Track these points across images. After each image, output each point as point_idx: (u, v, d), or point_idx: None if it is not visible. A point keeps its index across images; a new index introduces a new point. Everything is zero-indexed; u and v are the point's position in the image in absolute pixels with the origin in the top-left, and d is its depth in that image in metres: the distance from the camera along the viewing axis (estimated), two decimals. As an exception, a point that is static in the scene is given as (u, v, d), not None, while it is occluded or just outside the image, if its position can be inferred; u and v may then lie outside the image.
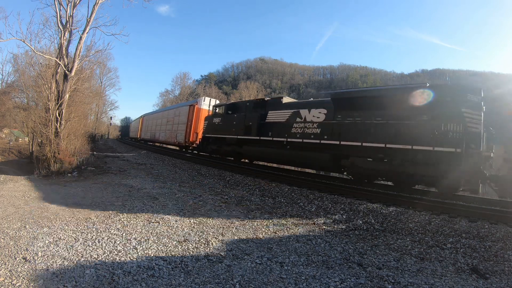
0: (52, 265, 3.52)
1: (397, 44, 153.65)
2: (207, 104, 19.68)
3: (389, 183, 9.21)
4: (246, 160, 14.80)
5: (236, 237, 5.09)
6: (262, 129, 11.89)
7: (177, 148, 23.74)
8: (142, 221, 5.67)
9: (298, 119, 10.39)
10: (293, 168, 17.75)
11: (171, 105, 37.53)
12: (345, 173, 9.72)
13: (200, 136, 17.96)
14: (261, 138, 11.76)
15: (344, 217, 6.52)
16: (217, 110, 15.53)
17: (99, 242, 4.39)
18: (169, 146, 26.73)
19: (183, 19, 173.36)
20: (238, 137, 13.16)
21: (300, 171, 13.61)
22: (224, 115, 14.64)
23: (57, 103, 13.86)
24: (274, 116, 11.65)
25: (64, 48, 14.13)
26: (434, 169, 7.25)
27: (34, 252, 3.88)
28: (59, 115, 13.91)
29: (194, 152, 19.92)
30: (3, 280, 3.10)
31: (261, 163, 16.33)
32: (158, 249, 4.25)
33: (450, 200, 7.34)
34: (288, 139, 10.61)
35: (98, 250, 4.07)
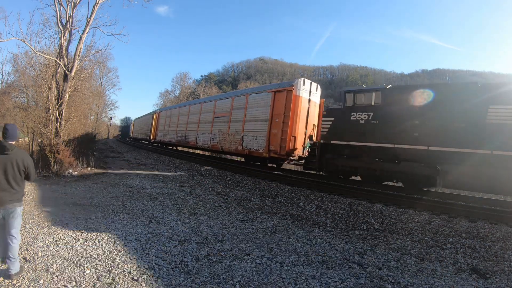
0: (52, 265, 3.52)
1: (396, 44, 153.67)
2: (307, 89, 11.62)
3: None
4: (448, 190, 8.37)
5: (236, 237, 5.09)
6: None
7: (241, 159, 16.43)
8: (142, 221, 5.67)
9: None
10: (293, 167, 16.62)
11: (222, 93, 26.02)
12: None
13: (299, 141, 11.10)
14: None
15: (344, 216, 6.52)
16: (356, 100, 9.00)
17: (99, 242, 4.39)
18: (212, 155, 19.95)
19: (182, 19, 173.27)
20: (440, 149, 7.33)
21: (300, 170, 13.56)
22: (380, 107, 8.42)
23: (57, 103, 13.86)
24: None
25: (64, 48, 14.13)
26: None
27: (34, 252, 3.88)
28: (59, 115, 13.91)
29: (283, 168, 13.36)
30: (3, 280, 3.10)
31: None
32: (158, 249, 4.25)
33: (450, 200, 7.34)
34: None
35: (98, 250, 4.07)
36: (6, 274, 3.14)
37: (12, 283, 3.06)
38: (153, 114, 29.87)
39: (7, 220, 3.18)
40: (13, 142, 3.25)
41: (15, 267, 3.16)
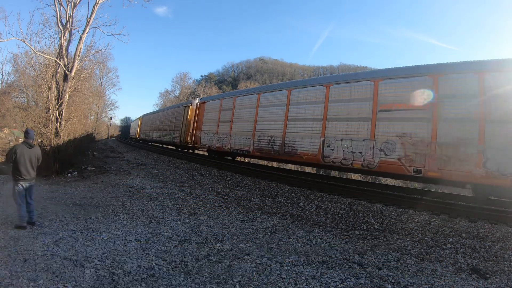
0: (52, 265, 3.52)
1: (395, 45, 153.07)
2: None
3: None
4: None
5: (236, 237, 5.09)
6: None
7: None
8: (142, 221, 5.68)
9: None
10: (292, 167, 15.64)
11: (391, 68, 9.09)
12: None
13: None
14: None
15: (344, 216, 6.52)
16: None
17: (99, 242, 4.39)
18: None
19: (182, 20, 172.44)
20: None
21: (300, 170, 13.55)
22: None
23: (57, 103, 13.86)
24: None
25: (64, 48, 14.14)
26: None
27: (34, 252, 3.88)
28: (59, 115, 13.91)
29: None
30: (3, 280, 3.10)
31: (261, 162, 16.06)
32: (158, 249, 4.25)
33: (450, 200, 7.34)
34: None
35: (98, 250, 4.07)
36: (31, 223, 4.97)
37: (12, 283, 3.06)
38: (185, 107, 19.91)
39: (28, 190, 5.05)
40: (32, 141, 5.16)
41: (35, 217, 5.15)
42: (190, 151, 19.82)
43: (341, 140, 9.05)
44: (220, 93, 29.80)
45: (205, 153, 18.37)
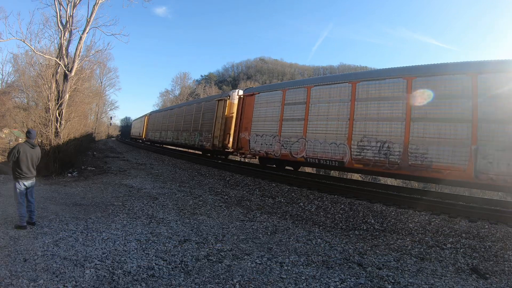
0: (52, 265, 3.52)
1: (394, 44, 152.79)
2: None
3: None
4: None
5: (236, 237, 5.09)
6: None
7: None
8: (142, 221, 5.68)
9: None
10: (292, 168, 15.23)
11: None
12: None
13: None
14: None
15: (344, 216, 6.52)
16: None
17: (99, 242, 4.39)
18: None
19: (181, 20, 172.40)
20: None
21: (300, 171, 13.53)
22: None
23: (57, 103, 13.88)
24: None
25: (64, 48, 14.16)
26: None
27: (34, 252, 3.88)
28: (59, 115, 13.93)
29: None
30: (3, 280, 3.10)
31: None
32: (158, 249, 4.25)
33: (450, 200, 7.34)
34: None
35: (98, 250, 4.07)
36: (31, 223, 4.98)
37: (12, 283, 3.06)
38: (218, 100, 15.59)
39: (29, 189, 5.08)
40: (34, 141, 5.25)
41: (35, 217, 5.17)
42: (223, 157, 15.95)
43: (504, 150, 6.40)
44: (279, 82, 22.67)
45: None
